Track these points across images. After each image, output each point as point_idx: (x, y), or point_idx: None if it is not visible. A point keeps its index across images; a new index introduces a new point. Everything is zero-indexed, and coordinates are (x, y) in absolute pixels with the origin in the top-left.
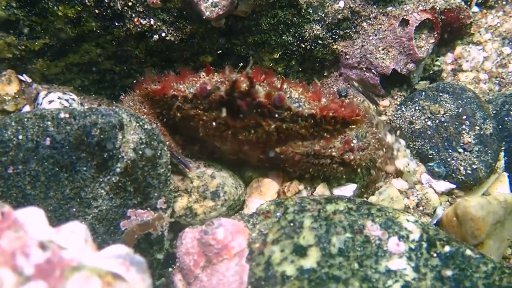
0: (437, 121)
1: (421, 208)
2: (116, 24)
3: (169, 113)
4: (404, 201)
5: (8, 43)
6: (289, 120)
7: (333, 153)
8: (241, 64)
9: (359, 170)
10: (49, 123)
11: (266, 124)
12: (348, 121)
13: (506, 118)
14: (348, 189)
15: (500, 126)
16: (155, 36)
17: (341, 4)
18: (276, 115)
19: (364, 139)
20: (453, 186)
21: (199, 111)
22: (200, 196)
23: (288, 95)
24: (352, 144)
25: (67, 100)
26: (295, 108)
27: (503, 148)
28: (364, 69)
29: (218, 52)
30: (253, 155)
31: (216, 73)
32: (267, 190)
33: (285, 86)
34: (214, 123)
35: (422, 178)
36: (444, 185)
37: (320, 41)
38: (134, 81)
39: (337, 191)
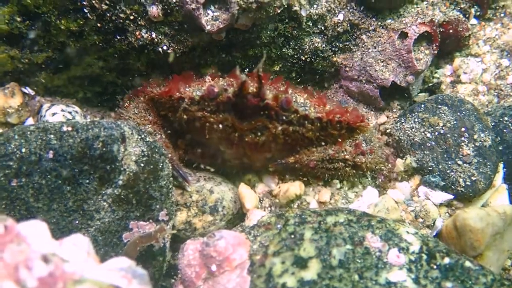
0: (436, 133)
1: (420, 220)
2: (118, 37)
3: (175, 116)
4: (402, 214)
5: (11, 56)
6: (296, 123)
7: (346, 156)
8: (246, 70)
9: (368, 172)
10: (52, 136)
11: (273, 127)
12: (353, 127)
13: (505, 130)
14: (369, 194)
15: (499, 138)
16: (157, 49)
17: (341, 17)
18: (283, 118)
19: (371, 143)
20: (451, 196)
21: (206, 113)
22: (199, 211)
23: (294, 100)
24: (363, 147)
25: (70, 113)
26: (302, 111)
27: (502, 160)
28: (364, 81)
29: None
30: (258, 159)
31: (221, 78)
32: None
33: (290, 91)
34: (220, 126)
35: (419, 190)
36: (441, 196)
37: (320, 54)
38: (137, 88)
39: (356, 204)
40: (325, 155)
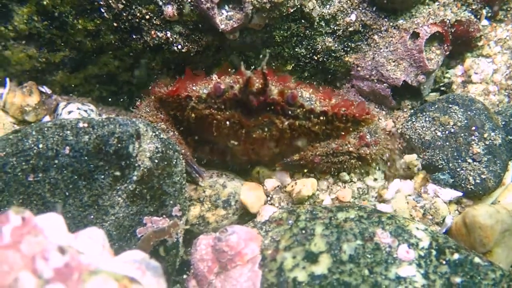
0: (447, 132)
1: (429, 217)
2: (134, 36)
3: (183, 114)
4: (412, 212)
5: (29, 56)
6: (302, 117)
7: (350, 149)
8: (252, 67)
9: (374, 164)
10: (68, 132)
11: (279, 122)
12: (358, 120)
13: None
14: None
15: (509, 137)
16: (172, 48)
17: (353, 17)
18: (289, 112)
19: (376, 134)
20: (460, 194)
21: (213, 111)
22: (212, 205)
23: (300, 94)
24: (367, 139)
25: (85, 111)
26: (308, 105)
27: None
28: (376, 80)
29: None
30: (266, 154)
31: (227, 76)
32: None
33: (295, 86)
34: (228, 122)
35: (428, 188)
36: (450, 194)
37: (332, 54)
38: (149, 87)
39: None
40: (328, 149)
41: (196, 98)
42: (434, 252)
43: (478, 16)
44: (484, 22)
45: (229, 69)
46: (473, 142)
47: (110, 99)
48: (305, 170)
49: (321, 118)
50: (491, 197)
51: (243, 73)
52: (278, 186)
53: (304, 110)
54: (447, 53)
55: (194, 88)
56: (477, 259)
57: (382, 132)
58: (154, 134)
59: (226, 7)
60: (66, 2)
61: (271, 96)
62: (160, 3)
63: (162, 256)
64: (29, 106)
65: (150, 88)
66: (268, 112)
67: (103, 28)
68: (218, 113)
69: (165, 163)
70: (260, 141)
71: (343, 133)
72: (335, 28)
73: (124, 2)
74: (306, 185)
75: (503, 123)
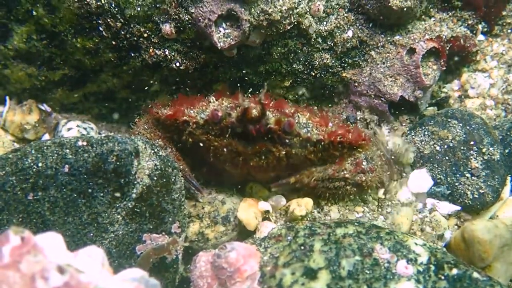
0: (446, 146)
1: (429, 229)
2: (132, 54)
3: (180, 137)
4: (412, 227)
5: (28, 74)
6: (299, 145)
7: (346, 175)
8: (250, 90)
9: (369, 190)
10: (67, 150)
11: (276, 150)
12: (355, 146)
13: None
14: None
15: (507, 152)
16: (171, 66)
17: (350, 33)
18: (286, 141)
19: (372, 161)
20: (458, 208)
21: (211, 137)
22: (211, 222)
23: (296, 121)
24: (363, 166)
25: (85, 129)
26: (304, 134)
27: (510, 173)
28: (373, 96)
29: (230, 80)
30: (262, 177)
31: (225, 98)
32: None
33: (292, 110)
34: (225, 149)
35: (426, 202)
36: (448, 208)
37: (329, 69)
38: (149, 105)
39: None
40: (325, 174)
41: (194, 123)
42: (432, 268)
43: (474, 31)
44: (480, 37)
45: (227, 92)
46: (471, 157)
47: (109, 117)
48: (301, 192)
49: (317, 146)
50: (489, 211)
51: (240, 100)
52: (271, 205)
53: (300, 138)
54: (444, 68)
55: (191, 112)
56: (475, 274)
57: (379, 159)
58: (152, 151)
59: (224, 25)
60: (65, 21)
61: (268, 125)
62: (158, 21)
63: (161, 273)
64: (29, 124)
65: (148, 106)
66: (265, 140)
67: (102, 46)
68: (215, 140)
69: (164, 180)
70: (257, 168)
71: (340, 159)
72: (332, 44)
73: (122, 20)
74: (300, 205)
75: (500, 137)
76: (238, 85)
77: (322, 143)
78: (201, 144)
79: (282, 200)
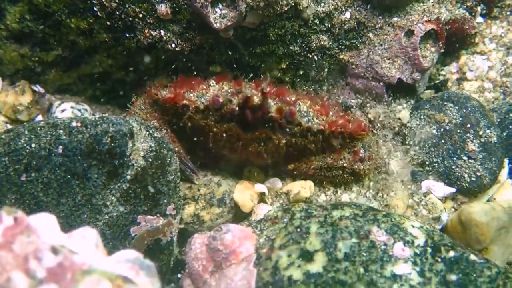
0: (442, 129)
1: (424, 212)
2: (127, 35)
3: (179, 120)
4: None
5: (22, 55)
6: (299, 135)
7: (344, 164)
8: (251, 75)
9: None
10: (61, 131)
11: (276, 138)
12: (355, 137)
13: (510, 126)
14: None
15: (505, 134)
16: (166, 47)
17: (347, 15)
18: (287, 130)
19: (370, 148)
20: (453, 190)
21: (210, 122)
22: (207, 204)
23: (297, 109)
24: (361, 154)
25: (79, 110)
26: (305, 123)
27: (507, 156)
28: (370, 78)
29: (227, 62)
30: (260, 163)
31: (225, 82)
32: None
33: (293, 98)
34: (224, 135)
35: (422, 185)
36: (443, 190)
37: (326, 51)
38: (146, 85)
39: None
40: (323, 163)
41: (194, 108)
42: (429, 250)
43: (473, 13)
44: (479, 19)
45: (228, 76)
46: (468, 140)
47: (103, 98)
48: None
49: (318, 136)
50: (486, 194)
51: (242, 86)
52: (264, 192)
53: (301, 128)
54: (442, 50)
55: (191, 96)
56: (472, 257)
57: (376, 146)
58: (147, 133)
59: (220, 5)
60: (59, 1)
61: (270, 113)
62: (154, 1)
63: (156, 255)
64: (22, 106)
65: (146, 87)
66: (266, 127)
67: (96, 27)
68: (215, 125)
69: (159, 162)
70: (255, 153)
71: (339, 148)
72: (329, 26)
73: (117, 1)
74: (304, 187)
75: (498, 120)
76: (235, 66)
77: (323, 134)
78: (201, 129)
79: (278, 183)
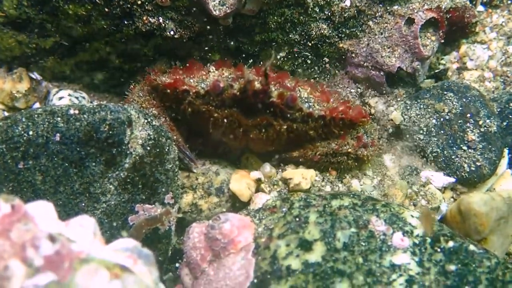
0: (442, 119)
1: (423, 202)
2: (126, 22)
3: (179, 106)
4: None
5: (19, 41)
6: (300, 120)
7: (349, 150)
8: (250, 60)
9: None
10: (59, 119)
11: (277, 124)
12: (355, 123)
13: (510, 116)
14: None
15: (505, 124)
16: (165, 34)
17: (348, 3)
18: (288, 115)
19: (372, 135)
20: (452, 180)
21: (211, 108)
22: (205, 193)
23: (298, 95)
24: (364, 140)
25: (77, 98)
26: (306, 109)
27: (507, 145)
28: (370, 67)
29: (226, 49)
30: (260, 150)
31: (225, 68)
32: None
33: (293, 84)
34: (225, 120)
35: (421, 175)
36: (442, 180)
37: (326, 40)
38: (145, 71)
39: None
40: (329, 149)
41: (194, 93)
42: (428, 240)
43: (474, 2)
44: (480, 8)
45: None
46: (468, 129)
47: (101, 86)
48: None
49: (319, 122)
50: (486, 184)
51: (243, 72)
52: (260, 178)
53: (302, 113)
54: (443, 39)
55: (191, 81)
56: (472, 247)
57: (377, 133)
58: (146, 121)
59: None
60: None
61: (271, 98)
62: None
63: (154, 244)
64: (19, 93)
65: (145, 73)
66: (267, 113)
67: (94, 13)
68: (216, 111)
69: (158, 150)
70: (256, 140)
71: (343, 134)
72: (329, 14)
73: None
74: (305, 178)
75: (498, 109)
76: (234, 54)
77: (324, 119)
78: (201, 115)
79: (267, 168)
